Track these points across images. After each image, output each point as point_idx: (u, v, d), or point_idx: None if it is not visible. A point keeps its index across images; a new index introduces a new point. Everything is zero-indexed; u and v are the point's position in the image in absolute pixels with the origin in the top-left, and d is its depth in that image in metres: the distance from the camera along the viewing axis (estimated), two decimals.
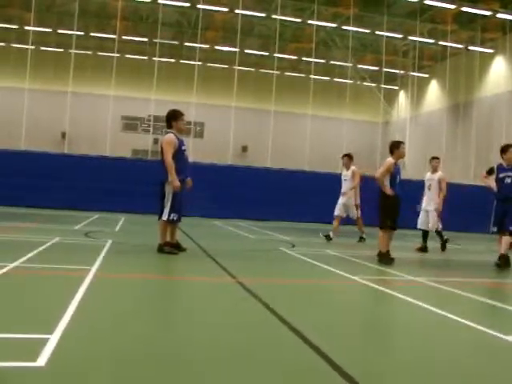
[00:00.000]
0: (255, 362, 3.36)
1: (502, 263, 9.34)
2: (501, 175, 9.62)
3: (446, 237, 12.42)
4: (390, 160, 9.25)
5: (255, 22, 33.33)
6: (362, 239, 13.51)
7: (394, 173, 9.17)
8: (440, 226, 12.40)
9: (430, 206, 12.33)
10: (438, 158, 12.76)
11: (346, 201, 13.45)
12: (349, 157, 13.68)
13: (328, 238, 13.15)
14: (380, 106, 39.02)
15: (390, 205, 9.08)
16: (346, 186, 13.45)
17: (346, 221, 14.04)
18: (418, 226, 12.55)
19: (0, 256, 7.06)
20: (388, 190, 9.04)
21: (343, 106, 33.79)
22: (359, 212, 13.54)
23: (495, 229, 9.60)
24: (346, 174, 13.56)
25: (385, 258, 9.11)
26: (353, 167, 13.46)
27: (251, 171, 23.77)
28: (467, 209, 20.06)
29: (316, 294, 6.14)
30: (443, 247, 12.34)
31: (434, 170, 12.46)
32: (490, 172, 10.09)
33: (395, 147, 9.36)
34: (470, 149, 31.02)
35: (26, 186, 19.44)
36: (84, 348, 3.39)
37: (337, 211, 13.49)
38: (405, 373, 3.38)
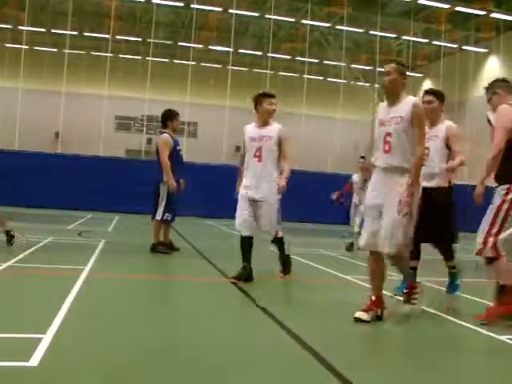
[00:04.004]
0: (250, 362, 3.36)
1: None
2: None
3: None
4: None
5: (249, 22, 33.34)
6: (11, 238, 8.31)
7: None
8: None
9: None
10: None
11: None
12: None
13: None
14: (374, 105, 39.06)
15: None
16: None
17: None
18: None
19: None
20: None
21: (337, 106, 33.79)
22: None
23: None
24: None
25: None
26: None
27: None
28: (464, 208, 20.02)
29: (309, 294, 6.14)
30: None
31: None
32: None
33: None
34: (464, 148, 31.05)
35: (19, 185, 19.35)
36: (77, 348, 3.38)
37: None
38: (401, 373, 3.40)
